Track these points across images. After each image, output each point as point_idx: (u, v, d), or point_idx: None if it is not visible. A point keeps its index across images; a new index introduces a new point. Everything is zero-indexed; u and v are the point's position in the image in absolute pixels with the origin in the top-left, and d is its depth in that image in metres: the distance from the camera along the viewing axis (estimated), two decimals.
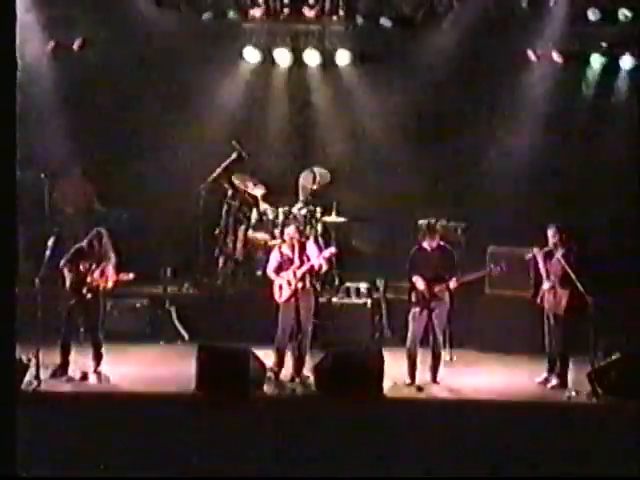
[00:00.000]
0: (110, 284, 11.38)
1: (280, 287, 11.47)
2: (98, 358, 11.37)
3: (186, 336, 13.09)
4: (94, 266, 11.28)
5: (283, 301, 11.43)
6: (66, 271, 11.33)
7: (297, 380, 11.29)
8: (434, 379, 11.38)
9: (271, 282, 11.73)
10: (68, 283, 11.30)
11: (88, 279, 11.26)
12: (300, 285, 11.36)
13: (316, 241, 12.98)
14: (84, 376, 11.24)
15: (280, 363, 11.41)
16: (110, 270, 11.34)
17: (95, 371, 11.33)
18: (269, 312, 11.74)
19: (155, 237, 14.21)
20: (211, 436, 9.18)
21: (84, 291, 11.24)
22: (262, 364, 10.91)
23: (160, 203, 14.63)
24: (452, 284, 11.25)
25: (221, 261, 14.09)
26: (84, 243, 11.42)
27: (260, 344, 11.32)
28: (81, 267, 11.28)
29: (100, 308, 11.40)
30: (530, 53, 14.62)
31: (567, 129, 14.71)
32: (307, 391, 10.93)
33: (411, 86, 14.70)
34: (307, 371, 11.30)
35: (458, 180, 14.69)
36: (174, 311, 13.19)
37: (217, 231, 14.18)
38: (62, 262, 11.38)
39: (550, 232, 11.33)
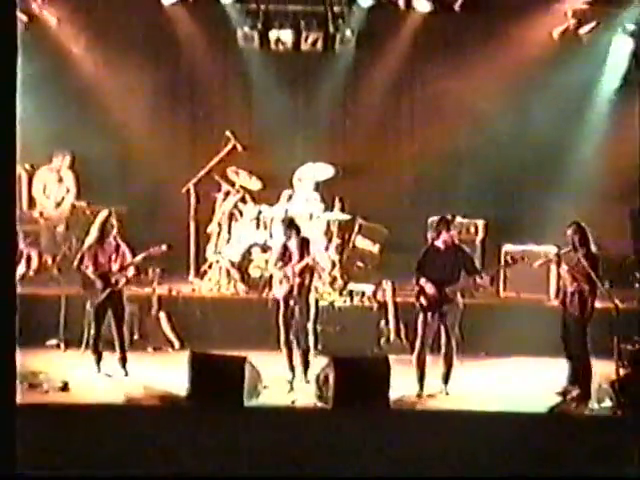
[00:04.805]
0: (132, 271, 11.44)
1: (280, 282, 11.37)
2: (125, 356, 11.45)
3: (176, 343, 12.78)
4: (113, 256, 11.34)
5: (282, 296, 11.27)
6: (84, 270, 11.32)
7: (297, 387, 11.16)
8: (445, 388, 11.00)
9: (267, 284, 11.99)
10: (97, 283, 11.27)
11: (114, 269, 11.31)
12: (298, 281, 11.21)
13: (318, 238, 12.98)
14: (65, 386, 10.82)
15: (291, 366, 11.29)
16: (128, 256, 11.39)
17: (124, 366, 11.43)
18: (265, 316, 11.66)
19: (142, 235, 13.45)
20: (204, 447, 8.86)
21: (113, 281, 11.28)
22: (257, 372, 10.61)
23: (147, 198, 14.61)
24: (479, 281, 10.94)
25: (214, 261, 13.81)
26: (94, 237, 11.40)
27: (255, 350, 11.07)
28: (101, 260, 11.29)
29: (125, 301, 11.52)
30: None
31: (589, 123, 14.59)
32: (307, 402, 10.61)
33: (420, 72, 14.71)
34: (308, 379, 11.12)
35: (474, 174, 14.51)
36: (163, 317, 12.85)
37: (209, 229, 14.01)
38: (75, 263, 11.46)
39: (570, 231, 10.92)
